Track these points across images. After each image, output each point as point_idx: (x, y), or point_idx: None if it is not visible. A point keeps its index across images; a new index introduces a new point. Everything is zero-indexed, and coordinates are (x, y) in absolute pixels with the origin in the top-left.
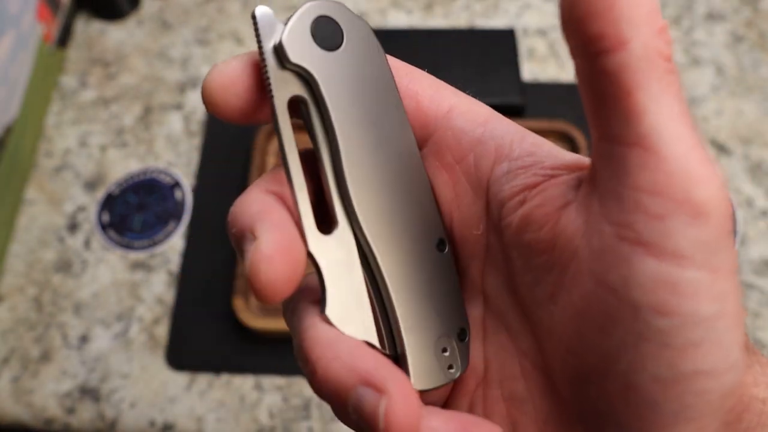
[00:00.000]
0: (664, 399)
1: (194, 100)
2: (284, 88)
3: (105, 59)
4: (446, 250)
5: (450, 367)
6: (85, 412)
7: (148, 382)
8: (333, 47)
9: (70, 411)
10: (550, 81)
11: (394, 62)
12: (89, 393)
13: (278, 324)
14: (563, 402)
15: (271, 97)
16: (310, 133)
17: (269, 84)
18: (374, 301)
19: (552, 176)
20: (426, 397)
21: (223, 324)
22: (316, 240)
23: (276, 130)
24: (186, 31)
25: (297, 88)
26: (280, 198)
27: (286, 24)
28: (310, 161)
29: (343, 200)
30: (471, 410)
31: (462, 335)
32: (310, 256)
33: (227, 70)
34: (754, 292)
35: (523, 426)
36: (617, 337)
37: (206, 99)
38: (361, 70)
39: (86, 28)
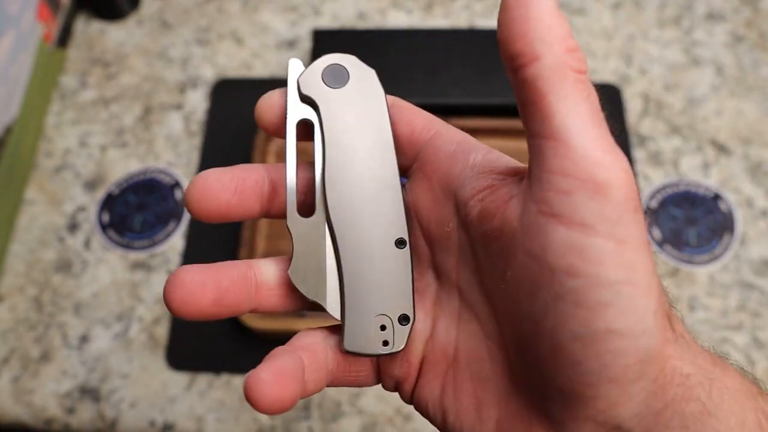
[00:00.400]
0: (585, 357)
1: (194, 100)
2: (297, 112)
3: (105, 59)
4: (405, 248)
5: (385, 343)
6: (85, 412)
7: (148, 382)
8: (338, 86)
9: (70, 411)
10: None
11: (400, 102)
12: (89, 393)
13: (278, 324)
14: (518, 378)
15: (285, 116)
16: (314, 147)
17: (286, 108)
18: (337, 277)
19: (503, 179)
20: (361, 363)
21: (223, 324)
22: (293, 218)
23: (285, 143)
24: (186, 31)
25: (307, 114)
26: None
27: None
28: (310, 170)
29: (324, 197)
30: (443, 390)
31: (403, 320)
32: (287, 229)
33: (272, 96)
34: (754, 292)
35: (487, 403)
36: (541, 299)
37: (257, 117)
38: (359, 105)
39: (86, 28)
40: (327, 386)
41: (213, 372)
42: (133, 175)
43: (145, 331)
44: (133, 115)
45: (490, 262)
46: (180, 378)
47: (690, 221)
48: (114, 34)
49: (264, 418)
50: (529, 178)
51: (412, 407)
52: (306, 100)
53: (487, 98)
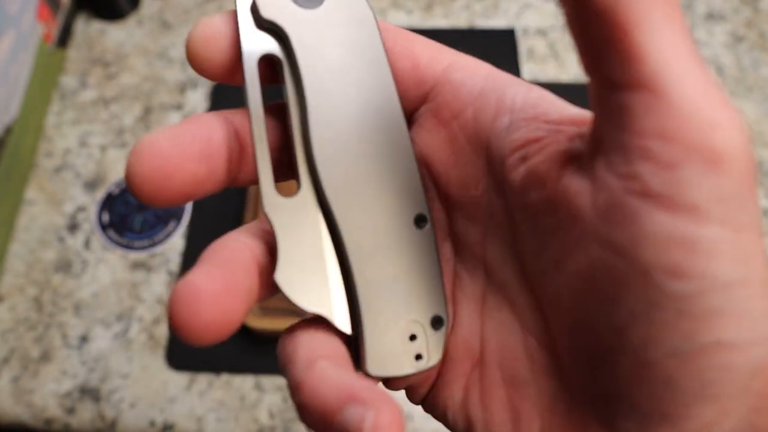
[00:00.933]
0: (682, 376)
1: (194, 100)
2: (255, 45)
3: (105, 59)
4: (426, 227)
5: (418, 356)
6: (85, 412)
7: (148, 382)
8: (311, 4)
9: (70, 411)
10: (550, 81)
11: (393, 28)
12: (89, 393)
13: (278, 324)
14: (571, 384)
15: (239, 52)
16: (283, 93)
17: (238, 39)
18: (341, 277)
19: (556, 131)
20: (395, 383)
21: None
22: (272, 200)
23: (243, 87)
24: (186, 31)
25: (271, 47)
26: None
27: None
28: (281, 127)
29: (309, 163)
30: (466, 394)
31: (437, 323)
32: (265, 215)
33: (212, 24)
34: None
35: (526, 412)
36: (628, 306)
37: (189, 52)
38: (342, 31)
39: (86, 28)
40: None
41: (213, 372)
42: None
43: (145, 331)
44: (133, 115)
45: (537, 242)
46: (180, 378)
47: None
48: (114, 34)
49: (264, 418)
50: (598, 140)
51: (411, 408)
52: (266, 26)
53: None
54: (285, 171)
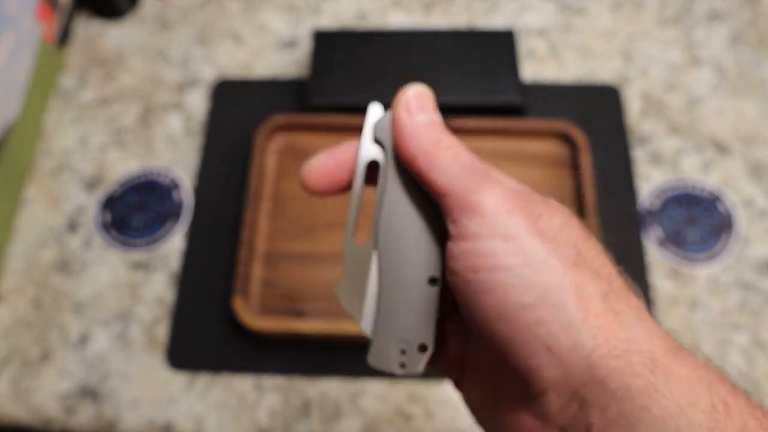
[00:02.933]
0: (512, 334)
1: (194, 100)
2: (369, 152)
3: (105, 59)
4: (436, 287)
5: (402, 365)
6: (85, 413)
7: (147, 382)
8: None
9: (70, 411)
10: (549, 81)
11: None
12: (89, 393)
13: (278, 324)
14: (500, 375)
15: (358, 156)
16: (378, 184)
17: (360, 148)
18: (375, 300)
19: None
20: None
21: (223, 324)
22: (349, 242)
23: (354, 179)
24: (186, 31)
25: (376, 155)
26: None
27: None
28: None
29: (376, 231)
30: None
31: (421, 348)
32: (344, 251)
33: (321, 161)
34: (754, 292)
35: (494, 401)
36: (461, 298)
37: (309, 180)
38: None
39: (86, 28)
40: None
41: (213, 372)
42: (133, 175)
43: (145, 331)
44: (133, 115)
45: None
46: (180, 378)
47: (690, 221)
48: (114, 34)
49: (264, 419)
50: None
51: (412, 407)
52: (377, 141)
53: (487, 98)
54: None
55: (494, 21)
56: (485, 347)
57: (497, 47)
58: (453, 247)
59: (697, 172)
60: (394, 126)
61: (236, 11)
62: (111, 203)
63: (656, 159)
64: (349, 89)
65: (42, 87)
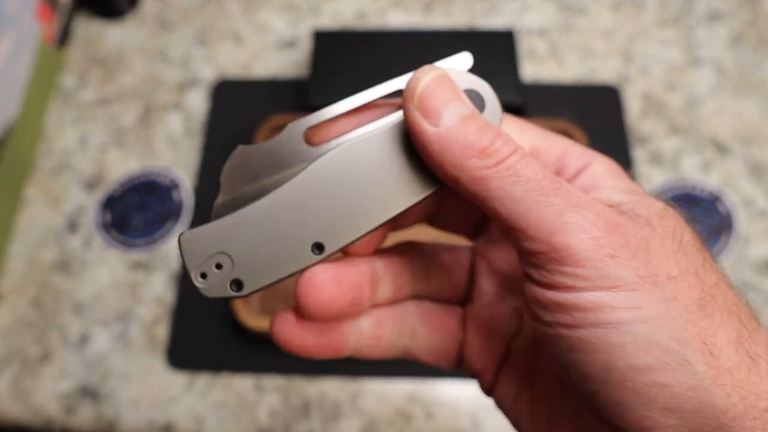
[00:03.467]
0: (623, 396)
1: (194, 100)
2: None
3: (105, 59)
4: (318, 256)
5: (203, 276)
6: (85, 413)
7: (148, 382)
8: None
9: (70, 411)
10: (550, 81)
11: (510, 120)
12: (89, 393)
13: None
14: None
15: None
16: None
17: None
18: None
19: None
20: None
21: (223, 324)
22: (296, 127)
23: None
24: (186, 31)
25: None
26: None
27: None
28: None
29: (329, 152)
30: (518, 393)
31: (237, 284)
32: None
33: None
34: (754, 292)
35: (558, 416)
36: (557, 358)
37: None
38: None
39: (86, 28)
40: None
41: (213, 372)
42: (133, 175)
43: (145, 331)
44: (133, 115)
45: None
46: (180, 378)
47: (690, 221)
48: (114, 34)
49: (264, 419)
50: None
51: (412, 407)
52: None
53: None
54: None
55: (494, 21)
56: (572, 384)
57: (497, 47)
58: (541, 294)
59: (697, 172)
60: (413, 139)
61: (236, 11)
62: (111, 203)
63: (656, 159)
64: (349, 89)
65: (42, 87)
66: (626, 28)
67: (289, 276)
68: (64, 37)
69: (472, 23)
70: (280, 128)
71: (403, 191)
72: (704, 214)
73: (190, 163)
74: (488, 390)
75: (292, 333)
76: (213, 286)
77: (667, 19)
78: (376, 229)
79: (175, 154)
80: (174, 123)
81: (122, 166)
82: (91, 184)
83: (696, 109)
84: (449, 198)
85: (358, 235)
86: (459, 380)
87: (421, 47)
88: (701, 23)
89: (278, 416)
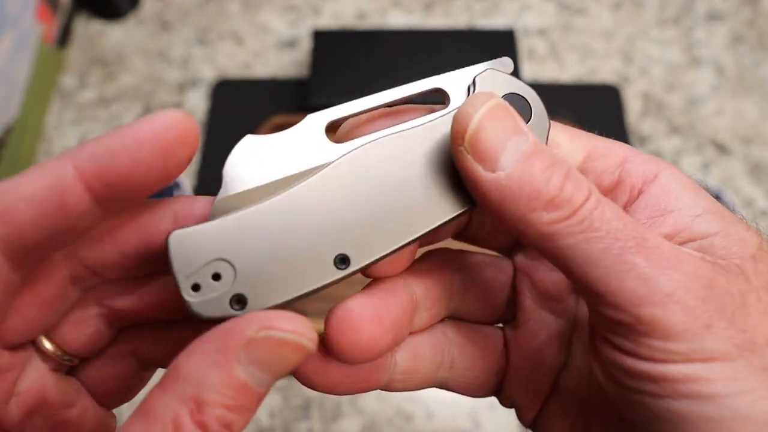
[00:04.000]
0: None
1: (194, 100)
2: (444, 82)
3: (105, 59)
4: (343, 272)
5: (195, 288)
6: None
7: (149, 382)
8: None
9: None
10: (550, 81)
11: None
12: None
13: None
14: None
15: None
16: None
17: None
18: None
19: None
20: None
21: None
22: (319, 120)
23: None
24: (186, 31)
25: (450, 90)
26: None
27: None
28: None
29: (357, 149)
30: (572, 429)
31: (239, 301)
32: None
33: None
34: None
35: None
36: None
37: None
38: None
39: (86, 28)
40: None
41: None
42: None
43: None
44: (133, 115)
45: None
46: None
47: None
48: (114, 34)
49: (264, 419)
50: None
51: (412, 407)
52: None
53: None
54: None
55: (494, 21)
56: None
57: (497, 47)
58: (623, 361)
59: (697, 171)
60: (467, 184)
61: (236, 11)
62: None
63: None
64: (349, 89)
65: (42, 87)
66: (626, 28)
67: (306, 294)
68: (64, 37)
69: (472, 23)
70: (280, 128)
71: (443, 203)
72: None
73: (190, 163)
74: (529, 424)
75: (316, 370)
76: (208, 302)
77: (667, 19)
78: (409, 243)
79: None
80: None
81: None
82: None
83: (696, 109)
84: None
85: (390, 250)
86: None
87: (421, 47)
88: (701, 23)
89: (278, 416)
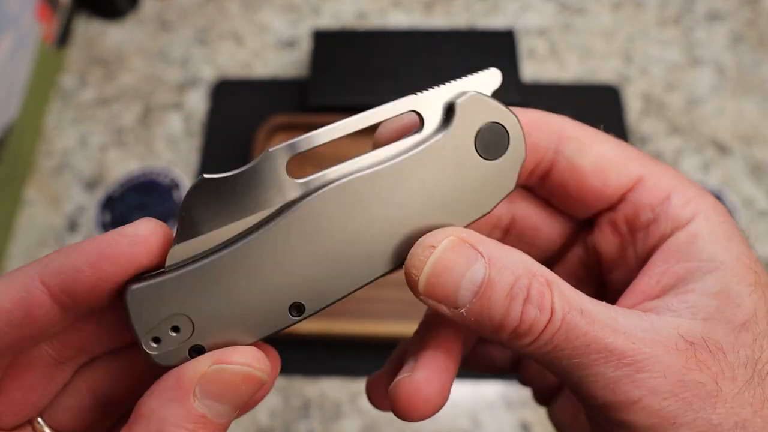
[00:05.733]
0: None
1: (194, 100)
2: (421, 103)
3: (105, 59)
4: (295, 318)
5: (156, 341)
6: None
7: None
8: (491, 157)
9: None
10: (550, 81)
11: (581, 129)
12: None
13: None
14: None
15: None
16: None
17: None
18: None
19: None
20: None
21: None
22: (274, 155)
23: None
24: (186, 31)
25: (427, 115)
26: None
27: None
28: None
29: (326, 185)
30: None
31: (196, 350)
32: None
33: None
34: None
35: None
36: None
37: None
38: None
39: (86, 28)
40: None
41: None
42: (133, 175)
43: None
44: (133, 115)
45: None
46: None
47: None
48: (114, 34)
49: (264, 419)
50: None
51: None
52: (449, 108)
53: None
54: None
55: (494, 21)
56: None
57: (497, 47)
58: None
59: (697, 172)
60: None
61: (236, 11)
62: (111, 203)
63: (656, 159)
64: (349, 89)
65: (42, 87)
66: (626, 28)
67: (260, 340)
68: (64, 37)
69: (472, 23)
70: (280, 128)
71: (390, 254)
72: None
73: (190, 163)
74: (542, 402)
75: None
76: (167, 354)
77: (667, 19)
78: (359, 289)
79: (175, 154)
80: (174, 123)
81: (122, 166)
82: (91, 184)
83: (696, 109)
84: None
85: (340, 296)
86: (459, 380)
87: (421, 47)
88: (701, 23)
89: (278, 416)
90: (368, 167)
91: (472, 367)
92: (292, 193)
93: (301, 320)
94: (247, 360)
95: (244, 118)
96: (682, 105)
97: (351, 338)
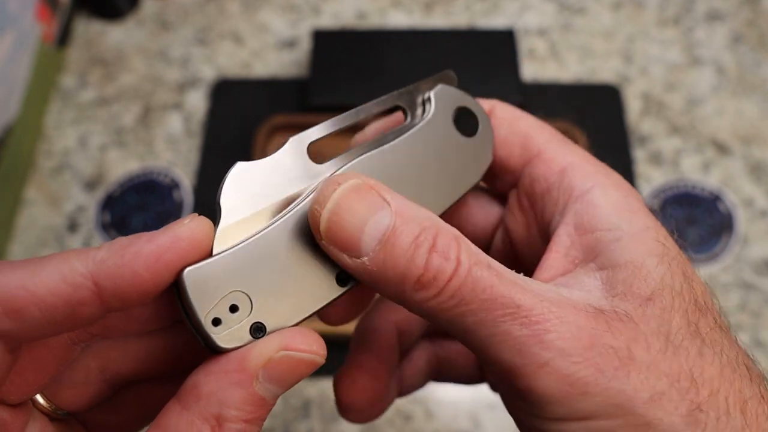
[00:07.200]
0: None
1: (194, 100)
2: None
3: (105, 59)
4: (343, 288)
5: (216, 322)
6: None
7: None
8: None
9: None
10: (550, 81)
11: (503, 112)
12: None
13: None
14: None
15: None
16: None
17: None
18: None
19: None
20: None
21: None
22: (299, 142)
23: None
24: (186, 31)
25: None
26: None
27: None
28: None
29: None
30: None
31: (258, 329)
32: None
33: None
34: (754, 292)
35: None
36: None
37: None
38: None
39: (86, 28)
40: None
41: None
42: (133, 175)
43: None
44: (133, 115)
45: None
46: None
47: (690, 221)
48: (114, 34)
49: None
50: None
51: (412, 407)
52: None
53: (488, 98)
54: None
55: (494, 21)
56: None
57: (497, 47)
58: (526, 418)
59: (697, 172)
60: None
61: (236, 11)
62: (111, 203)
63: (656, 159)
64: (349, 89)
65: (42, 87)
66: (626, 28)
67: (315, 313)
68: (64, 37)
69: (472, 23)
70: (280, 128)
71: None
72: (704, 214)
73: (190, 163)
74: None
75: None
76: (230, 335)
77: (667, 19)
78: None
79: (175, 154)
80: (174, 123)
81: (122, 166)
82: (91, 184)
83: (696, 109)
84: None
85: None
86: None
87: (421, 47)
88: (701, 23)
89: (278, 416)
90: (377, 150)
91: (441, 380)
92: (320, 174)
93: (346, 291)
94: (314, 347)
95: (244, 118)
96: (682, 105)
97: (351, 338)
